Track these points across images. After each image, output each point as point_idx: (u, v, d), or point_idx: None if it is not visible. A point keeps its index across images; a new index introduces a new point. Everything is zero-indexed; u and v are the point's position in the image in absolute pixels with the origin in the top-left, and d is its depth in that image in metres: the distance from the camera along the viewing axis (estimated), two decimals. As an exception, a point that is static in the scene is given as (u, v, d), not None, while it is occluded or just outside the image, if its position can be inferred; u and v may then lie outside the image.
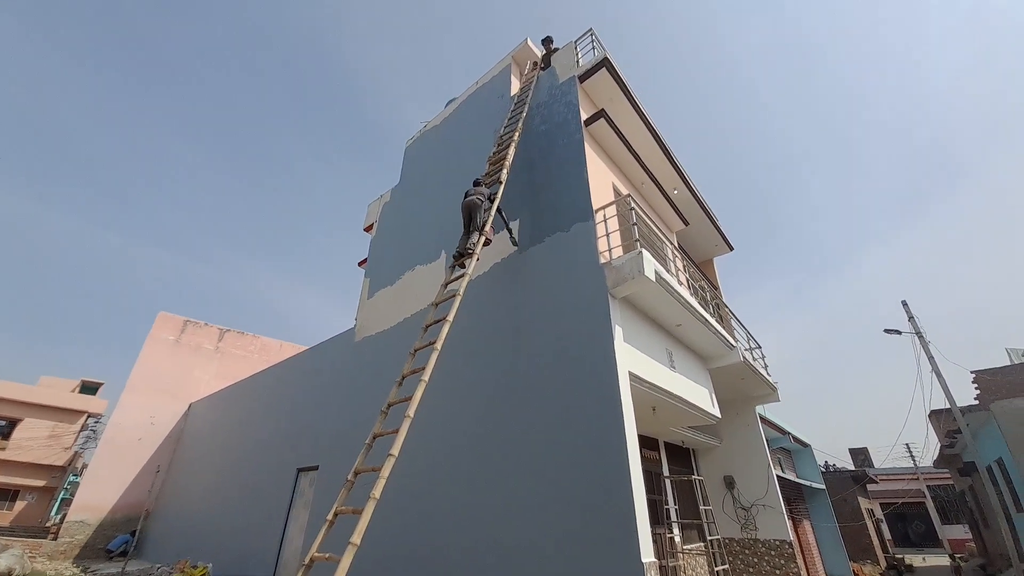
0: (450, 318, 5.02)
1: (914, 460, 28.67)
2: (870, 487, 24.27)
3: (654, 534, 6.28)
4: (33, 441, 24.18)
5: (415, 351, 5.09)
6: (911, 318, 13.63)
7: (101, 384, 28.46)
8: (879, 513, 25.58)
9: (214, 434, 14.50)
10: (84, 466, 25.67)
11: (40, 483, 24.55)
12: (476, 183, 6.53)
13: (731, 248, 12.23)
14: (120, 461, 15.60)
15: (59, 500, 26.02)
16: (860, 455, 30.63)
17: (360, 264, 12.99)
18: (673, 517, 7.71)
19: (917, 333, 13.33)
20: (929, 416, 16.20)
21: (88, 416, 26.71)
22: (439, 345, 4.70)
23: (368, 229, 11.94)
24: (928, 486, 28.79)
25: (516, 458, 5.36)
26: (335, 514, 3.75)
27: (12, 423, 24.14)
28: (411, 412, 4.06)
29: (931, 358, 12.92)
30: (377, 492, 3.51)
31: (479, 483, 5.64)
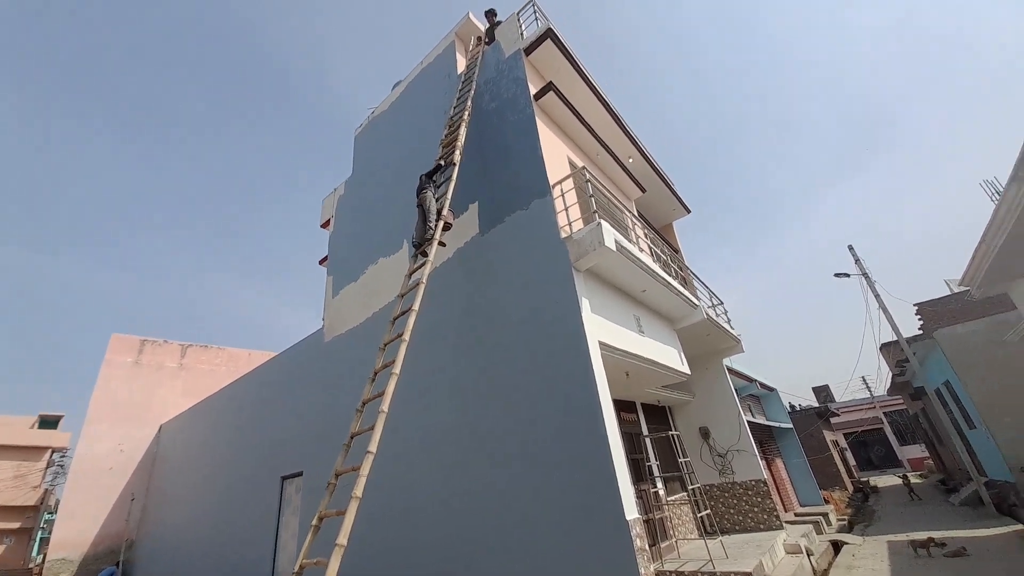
0: (415, 307, 4.97)
1: (870, 391, 30.88)
2: (833, 420, 26.08)
3: (639, 490, 6.57)
4: (-1, 484, 22.89)
5: (385, 345, 5.04)
6: (857, 260, 14.44)
7: (61, 416, 26.97)
8: (843, 443, 27.60)
9: (190, 452, 14.05)
10: (58, 502, 24.74)
11: (14, 525, 23.35)
12: (428, 180, 6.51)
13: (688, 211, 12.52)
14: (93, 493, 15.00)
15: (38, 540, 24.89)
16: (822, 392, 32.70)
17: (321, 262, 12.60)
18: (655, 472, 8.06)
19: (863, 274, 14.16)
20: (880, 349, 17.41)
21: (52, 451, 25.46)
22: (407, 336, 4.66)
23: (325, 225, 11.56)
24: (884, 413, 31.18)
25: (495, 438, 5.44)
26: (320, 518, 3.75)
27: (-29, 468, 22.76)
28: (385, 407, 4.04)
29: (877, 296, 13.78)
30: (359, 491, 3.51)
31: (461, 467, 5.70)
